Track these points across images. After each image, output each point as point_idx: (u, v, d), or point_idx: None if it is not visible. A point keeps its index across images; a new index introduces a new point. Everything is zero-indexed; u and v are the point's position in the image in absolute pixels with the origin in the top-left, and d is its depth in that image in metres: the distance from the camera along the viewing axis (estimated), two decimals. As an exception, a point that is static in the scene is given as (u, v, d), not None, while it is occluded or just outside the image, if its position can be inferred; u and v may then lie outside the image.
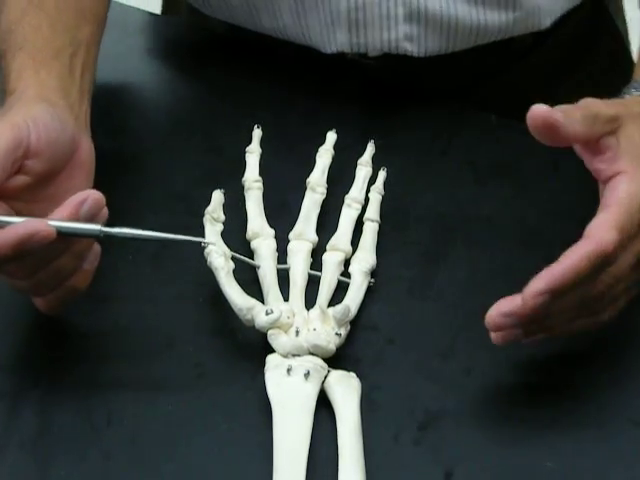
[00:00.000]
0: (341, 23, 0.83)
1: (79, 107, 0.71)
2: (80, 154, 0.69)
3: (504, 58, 0.90)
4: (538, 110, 0.60)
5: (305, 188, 0.76)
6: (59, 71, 0.71)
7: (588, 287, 0.61)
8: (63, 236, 0.61)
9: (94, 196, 0.63)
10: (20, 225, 0.60)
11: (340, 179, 0.77)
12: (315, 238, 0.73)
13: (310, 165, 0.77)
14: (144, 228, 0.63)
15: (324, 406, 0.63)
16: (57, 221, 0.61)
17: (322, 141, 0.79)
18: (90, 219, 0.62)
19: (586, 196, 0.71)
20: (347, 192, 0.75)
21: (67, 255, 0.63)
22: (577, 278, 0.59)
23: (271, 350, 0.65)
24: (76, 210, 0.62)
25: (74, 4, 0.76)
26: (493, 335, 0.61)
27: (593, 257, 0.59)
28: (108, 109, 0.83)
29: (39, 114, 0.66)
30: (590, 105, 0.62)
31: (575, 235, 0.68)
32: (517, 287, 0.62)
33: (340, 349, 0.65)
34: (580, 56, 0.75)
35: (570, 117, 0.60)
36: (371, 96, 0.86)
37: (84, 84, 0.73)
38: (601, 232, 0.60)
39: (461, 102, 0.85)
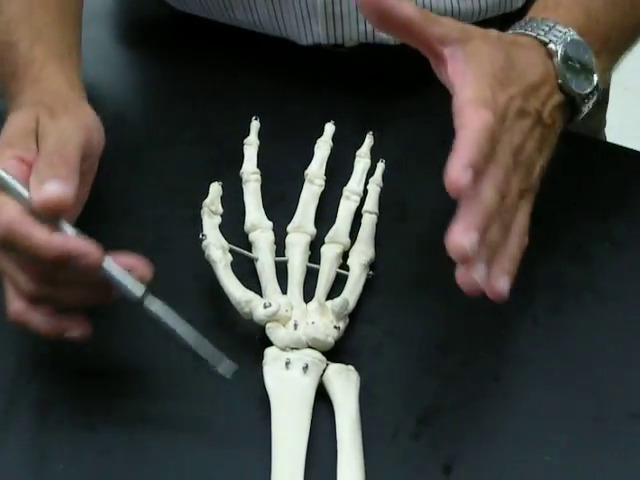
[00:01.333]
0: (317, 16, 0.84)
1: None
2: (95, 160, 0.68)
3: None
4: None
5: (303, 180, 0.75)
6: (77, 71, 0.72)
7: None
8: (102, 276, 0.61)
9: (142, 270, 0.61)
10: (74, 239, 0.59)
11: (338, 171, 0.77)
12: (313, 230, 0.72)
13: (308, 157, 0.77)
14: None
15: (323, 399, 0.63)
16: (110, 262, 0.60)
17: (320, 133, 0.78)
18: None
19: (586, 184, 0.71)
20: (345, 184, 0.75)
21: (83, 288, 0.62)
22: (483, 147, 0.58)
23: (269, 343, 0.65)
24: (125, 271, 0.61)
25: (72, 9, 0.76)
26: (460, 278, 0.57)
27: (483, 130, 0.58)
28: (99, 102, 0.82)
29: (94, 117, 0.67)
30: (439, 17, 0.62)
31: (576, 223, 0.68)
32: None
33: (338, 342, 0.65)
34: None
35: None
36: (369, 87, 0.86)
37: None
38: (469, 113, 0.58)
39: (438, 87, 0.85)
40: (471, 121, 0.58)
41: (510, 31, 0.68)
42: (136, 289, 0.61)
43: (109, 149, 0.75)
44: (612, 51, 0.72)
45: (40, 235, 0.59)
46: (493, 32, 0.65)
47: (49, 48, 0.71)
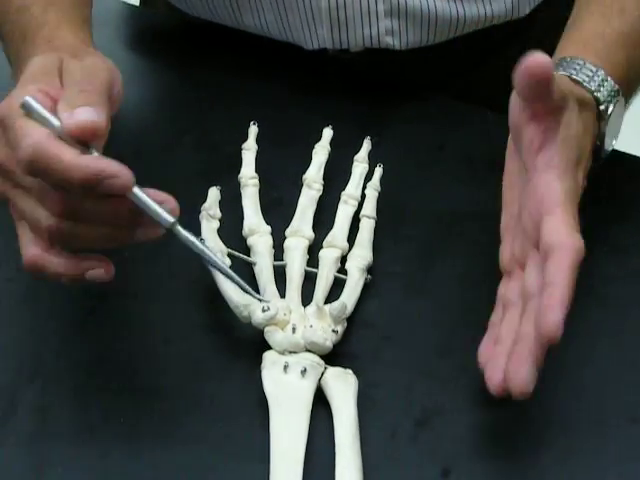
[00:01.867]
0: (322, 20, 0.84)
1: None
2: None
3: (484, 49, 0.91)
4: (538, 57, 0.57)
5: (301, 185, 0.75)
6: (90, 35, 0.71)
7: None
8: (132, 205, 0.59)
9: (172, 204, 0.60)
10: (105, 160, 0.57)
11: (336, 175, 0.77)
12: (311, 235, 0.72)
13: (306, 162, 0.77)
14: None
15: (321, 403, 0.63)
16: (140, 190, 0.58)
17: (318, 137, 0.78)
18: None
19: (585, 188, 0.71)
20: (343, 188, 0.75)
21: (105, 226, 0.60)
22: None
23: (268, 347, 0.65)
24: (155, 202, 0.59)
25: None
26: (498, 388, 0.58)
27: (577, 267, 0.59)
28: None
29: (115, 66, 0.65)
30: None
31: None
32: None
33: (337, 346, 0.65)
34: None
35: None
36: (367, 92, 0.86)
37: None
38: (566, 239, 0.59)
39: (442, 94, 0.86)
40: (566, 254, 0.58)
41: (562, 70, 0.67)
42: (167, 216, 0.59)
43: (109, 153, 0.75)
44: (633, 94, 0.73)
45: (71, 155, 0.56)
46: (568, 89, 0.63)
47: (62, 14, 0.70)
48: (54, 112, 0.58)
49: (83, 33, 0.70)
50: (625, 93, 0.69)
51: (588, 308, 0.69)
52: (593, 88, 0.66)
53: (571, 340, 0.67)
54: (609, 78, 0.67)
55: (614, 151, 0.73)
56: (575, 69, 0.67)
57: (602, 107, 0.66)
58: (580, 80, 0.66)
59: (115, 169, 0.57)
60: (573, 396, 0.64)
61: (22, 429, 0.62)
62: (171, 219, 0.59)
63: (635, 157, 0.80)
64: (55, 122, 0.58)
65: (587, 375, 0.65)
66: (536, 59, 0.57)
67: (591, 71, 0.67)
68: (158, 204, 0.59)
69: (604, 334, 0.68)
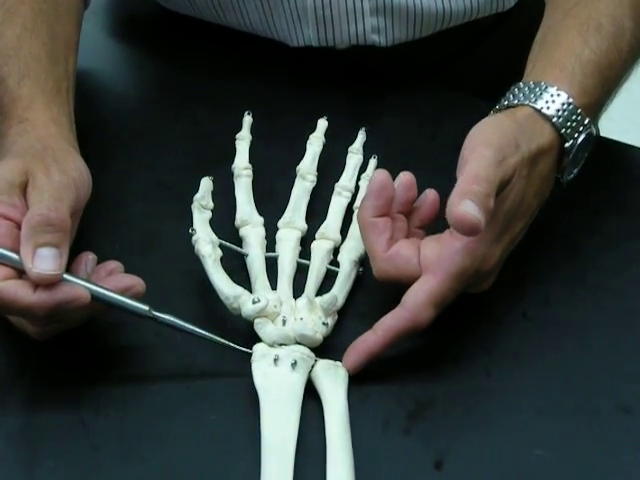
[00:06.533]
0: (308, 19, 0.83)
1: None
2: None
3: (470, 38, 0.92)
4: (467, 218, 0.60)
5: (295, 176, 0.75)
6: (65, 107, 0.72)
7: None
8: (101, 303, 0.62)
9: (139, 288, 0.63)
10: (59, 290, 0.60)
11: (330, 167, 0.77)
12: (304, 226, 0.72)
13: (300, 152, 0.77)
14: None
15: (311, 395, 0.63)
16: (108, 291, 0.62)
17: (313, 128, 0.78)
18: None
19: (575, 177, 0.71)
20: (337, 180, 0.75)
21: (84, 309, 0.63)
22: (390, 346, 0.63)
23: (258, 339, 0.65)
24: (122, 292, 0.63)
25: (63, 34, 0.76)
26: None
27: (407, 331, 0.63)
28: (87, 96, 0.82)
29: (83, 169, 0.67)
30: (489, 176, 0.62)
31: (566, 217, 0.68)
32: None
33: (327, 338, 0.65)
34: None
35: (486, 209, 0.61)
36: (361, 84, 0.86)
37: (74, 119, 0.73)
38: (417, 308, 0.63)
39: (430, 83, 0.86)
40: (403, 322, 0.63)
41: (534, 100, 0.67)
42: (141, 305, 0.63)
43: (96, 144, 0.75)
44: (603, 111, 0.73)
45: (26, 298, 0.60)
46: (524, 151, 0.65)
47: (37, 84, 0.70)
48: (13, 236, 0.62)
49: (57, 102, 0.71)
50: (596, 115, 0.70)
51: (580, 297, 0.69)
52: (561, 124, 0.66)
53: (563, 330, 0.67)
54: (580, 111, 0.67)
55: (606, 140, 0.73)
56: (547, 101, 0.67)
57: (567, 145, 0.67)
58: (550, 115, 0.66)
59: (71, 295, 0.61)
60: (565, 386, 0.64)
61: (12, 424, 0.62)
62: (145, 307, 0.63)
63: (627, 145, 0.80)
64: (14, 257, 0.61)
65: (578, 365, 0.65)
66: (462, 219, 0.60)
67: (562, 104, 0.67)
68: (127, 295, 0.63)
69: (596, 324, 0.67)
